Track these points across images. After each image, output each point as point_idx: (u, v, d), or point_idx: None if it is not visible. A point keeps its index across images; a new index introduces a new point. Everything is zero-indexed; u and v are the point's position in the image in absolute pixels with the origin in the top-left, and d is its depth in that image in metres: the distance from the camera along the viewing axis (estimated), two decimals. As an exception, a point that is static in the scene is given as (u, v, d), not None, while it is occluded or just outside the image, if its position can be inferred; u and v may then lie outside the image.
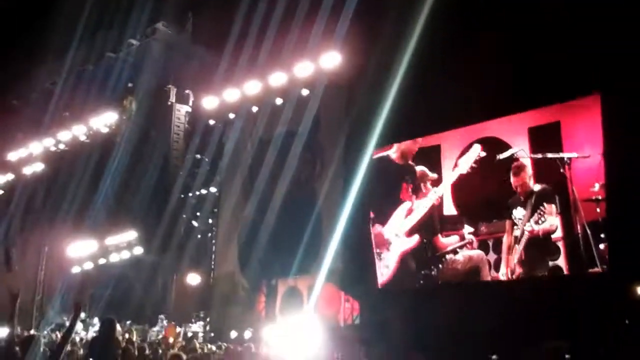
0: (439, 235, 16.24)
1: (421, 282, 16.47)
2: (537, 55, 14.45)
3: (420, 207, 16.69)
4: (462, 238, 15.66)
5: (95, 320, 23.16)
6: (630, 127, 12.85)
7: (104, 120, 25.61)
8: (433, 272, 16.18)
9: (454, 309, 14.34)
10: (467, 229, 15.68)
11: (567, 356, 9.72)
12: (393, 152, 17.51)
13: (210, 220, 24.85)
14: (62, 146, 27.57)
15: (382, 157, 17.71)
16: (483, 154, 15.45)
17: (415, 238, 16.60)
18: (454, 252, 15.79)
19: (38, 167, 28.92)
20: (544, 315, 12.99)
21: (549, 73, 14.23)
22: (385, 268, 17.14)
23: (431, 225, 16.46)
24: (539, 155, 14.58)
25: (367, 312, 18.05)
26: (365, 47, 18.17)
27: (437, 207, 16.47)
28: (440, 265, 16.07)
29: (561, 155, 14.10)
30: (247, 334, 19.24)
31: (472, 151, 15.51)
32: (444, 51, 15.71)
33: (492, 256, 15.14)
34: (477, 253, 15.42)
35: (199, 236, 24.75)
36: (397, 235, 17.01)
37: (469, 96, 15.43)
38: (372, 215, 17.81)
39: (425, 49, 15.64)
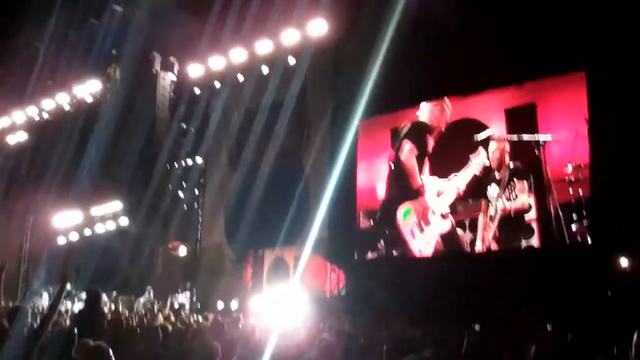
0: None
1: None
2: (519, 31, 14.55)
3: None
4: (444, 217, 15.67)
5: (81, 291, 23.15)
6: (614, 105, 13.02)
7: (88, 89, 25.28)
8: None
9: (437, 279, 14.41)
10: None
11: (548, 326, 9.74)
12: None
13: (196, 191, 24.71)
14: (45, 115, 27.24)
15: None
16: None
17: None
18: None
19: (21, 136, 28.61)
20: (527, 286, 13.10)
21: (530, 49, 14.42)
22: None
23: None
24: (515, 137, 14.74)
25: (352, 283, 18.08)
26: (352, 15, 18.04)
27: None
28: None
29: (536, 137, 14.25)
30: (234, 305, 19.25)
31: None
32: (430, 20, 15.68)
33: (468, 235, 15.46)
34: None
35: (185, 207, 24.60)
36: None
37: (452, 68, 15.51)
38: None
39: (412, 16, 15.55)
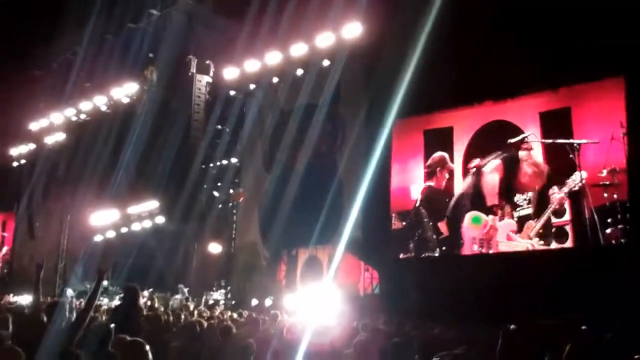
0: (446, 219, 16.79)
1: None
2: (555, 38, 14.45)
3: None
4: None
5: (117, 288, 23.52)
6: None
7: (125, 91, 25.67)
8: (436, 254, 16.70)
9: (472, 279, 14.41)
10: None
11: (583, 327, 9.73)
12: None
13: (231, 191, 24.97)
14: (83, 116, 27.72)
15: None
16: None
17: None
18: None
19: (60, 137, 29.14)
20: (562, 287, 13.04)
21: (566, 55, 14.30)
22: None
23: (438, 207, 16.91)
24: (549, 140, 14.75)
25: (386, 282, 18.16)
26: (386, 18, 18.08)
27: (445, 190, 17.02)
28: (444, 248, 16.65)
29: (571, 140, 14.24)
30: (268, 302, 19.40)
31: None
32: (466, 24, 15.62)
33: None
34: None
35: (220, 206, 24.89)
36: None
37: (482, 75, 15.50)
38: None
39: (447, 20, 15.53)
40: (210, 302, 22.03)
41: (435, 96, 16.54)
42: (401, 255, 17.48)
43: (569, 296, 12.76)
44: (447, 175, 16.92)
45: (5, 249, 33.29)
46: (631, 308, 11.42)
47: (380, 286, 18.57)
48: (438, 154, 17.18)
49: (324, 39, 19.80)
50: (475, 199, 16.22)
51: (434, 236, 16.70)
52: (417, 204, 17.27)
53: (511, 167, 15.64)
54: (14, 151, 31.59)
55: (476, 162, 16.31)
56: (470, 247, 15.94)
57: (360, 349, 7.86)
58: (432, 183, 17.15)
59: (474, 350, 7.16)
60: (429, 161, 17.31)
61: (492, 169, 16.00)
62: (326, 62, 20.09)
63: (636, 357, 5.87)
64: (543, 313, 11.32)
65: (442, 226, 16.64)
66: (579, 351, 5.95)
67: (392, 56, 17.14)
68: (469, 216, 16.22)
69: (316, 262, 20.88)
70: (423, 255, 16.79)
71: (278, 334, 8.86)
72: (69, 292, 22.71)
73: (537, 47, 14.51)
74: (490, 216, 15.77)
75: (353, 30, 19.15)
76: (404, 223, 17.71)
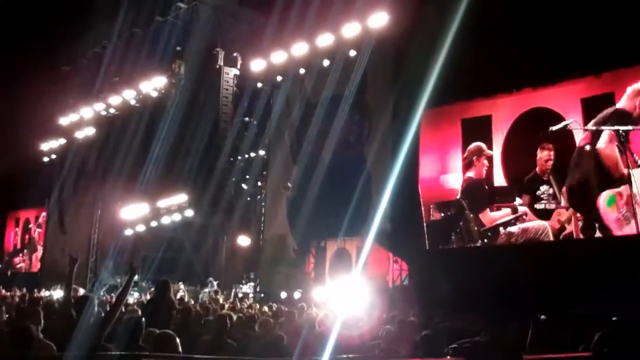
0: (487, 210, 16.21)
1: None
2: (595, 21, 14.07)
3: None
4: (515, 211, 15.45)
5: (147, 281, 23.71)
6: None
7: (154, 85, 25.79)
8: (478, 244, 16.23)
9: (501, 269, 14.28)
10: (518, 201, 15.64)
11: (614, 318, 9.60)
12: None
13: (259, 183, 25.03)
14: (112, 110, 27.93)
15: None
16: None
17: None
18: (506, 225, 15.68)
19: (89, 131, 29.40)
20: (594, 276, 12.85)
21: (608, 39, 13.85)
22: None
23: (479, 198, 16.49)
24: (593, 128, 14.21)
25: (416, 273, 18.07)
26: (414, 7, 17.92)
27: (486, 179, 16.51)
28: (486, 240, 16.10)
29: (616, 127, 13.54)
30: (297, 295, 19.43)
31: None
32: (496, 13, 15.40)
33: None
34: (534, 224, 15.25)
35: (248, 198, 24.96)
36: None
37: (520, 62, 15.19)
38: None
39: (477, 10, 15.31)
40: (240, 295, 22.12)
41: (470, 84, 16.33)
42: (440, 247, 17.30)
43: (604, 285, 12.58)
44: (486, 164, 16.53)
45: (40, 250, 33.76)
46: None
47: (410, 278, 18.49)
48: (474, 144, 16.81)
49: (350, 29, 19.69)
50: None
51: (476, 228, 16.34)
52: (458, 196, 16.96)
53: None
54: (45, 146, 31.96)
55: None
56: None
57: (390, 341, 7.83)
58: (471, 174, 16.80)
59: (496, 338, 7.09)
60: (466, 153, 16.98)
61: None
62: (353, 53, 19.99)
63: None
64: (577, 302, 11.19)
65: (484, 217, 16.27)
66: (607, 341, 5.87)
67: (419, 46, 16.96)
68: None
69: (345, 254, 20.83)
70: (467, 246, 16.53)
71: (308, 327, 8.84)
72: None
73: (577, 31, 14.02)
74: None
75: (379, 20, 19.02)
76: (442, 214, 17.43)
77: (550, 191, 15.11)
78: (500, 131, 16.50)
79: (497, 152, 16.51)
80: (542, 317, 9.81)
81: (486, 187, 16.44)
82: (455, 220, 16.87)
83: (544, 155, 15.31)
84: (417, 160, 17.98)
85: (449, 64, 15.47)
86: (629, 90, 14.00)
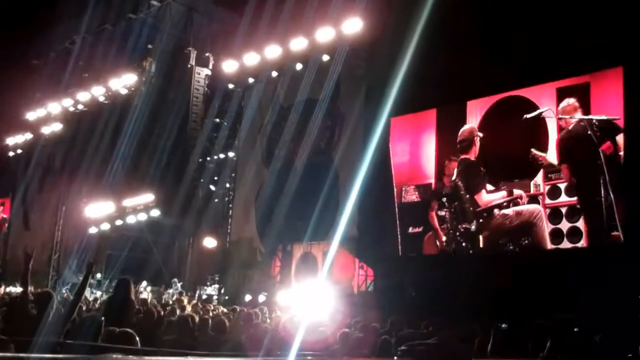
0: (483, 191, 16.11)
1: (459, 239, 16.46)
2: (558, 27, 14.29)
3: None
4: (510, 193, 15.45)
5: (111, 281, 23.43)
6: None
7: (123, 82, 25.51)
8: (472, 227, 16.15)
9: (465, 277, 14.36)
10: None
11: (575, 329, 9.68)
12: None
13: (228, 185, 24.89)
14: (80, 107, 27.57)
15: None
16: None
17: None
18: (501, 207, 15.66)
19: (56, 127, 29.00)
20: (555, 287, 12.98)
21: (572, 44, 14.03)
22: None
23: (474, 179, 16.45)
24: (567, 116, 14.38)
25: (381, 279, 18.10)
26: (386, 13, 17.99)
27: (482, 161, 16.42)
28: (481, 220, 16.02)
29: (590, 117, 13.90)
30: (261, 298, 19.34)
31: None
32: (464, 19, 15.53)
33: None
34: (528, 208, 15.23)
35: (217, 200, 24.80)
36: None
37: (488, 65, 15.30)
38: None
39: (445, 16, 15.42)
40: (204, 297, 21.96)
41: (435, 92, 16.46)
42: (410, 230, 17.36)
43: (563, 295, 12.69)
44: (478, 145, 16.49)
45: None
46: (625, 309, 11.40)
47: (375, 283, 18.52)
48: (467, 126, 16.71)
49: (324, 34, 19.68)
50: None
51: (471, 208, 16.27)
52: (454, 177, 16.78)
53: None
54: (11, 140, 31.46)
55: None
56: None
57: (354, 346, 7.79)
58: (466, 155, 16.68)
59: (447, 341, 7.09)
60: (460, 136, 16.80)
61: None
62: (326, 57, 19.98)
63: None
64: (536, 312, 11.27)
65: (479, 198, 16.19)
66: (561, 349, 5.93)
67: (390, 51, 16.99)
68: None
69: (311, 258, 20.81)
70: (461, 226, 16.49)
71: (271, 331, 8.77)
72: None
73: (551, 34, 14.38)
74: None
75: (353, 25, 19.04)
76: (415, 197, 17.59)
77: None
78: (474, 117, 16.60)
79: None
80: (504, 325, 9.87)
81: (482, 168, 16.33)
82: (451, 201, 16.84)
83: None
84: (388, 166, 18.04)
85: (417, 70, 15.54)
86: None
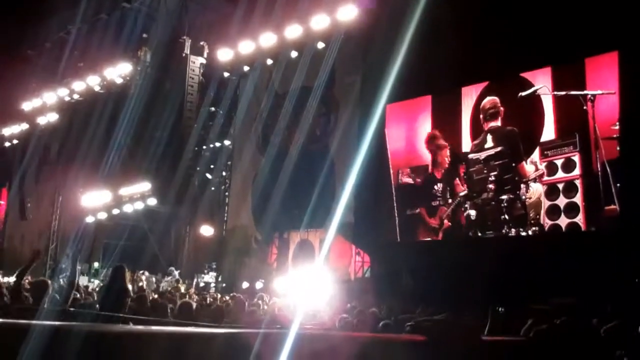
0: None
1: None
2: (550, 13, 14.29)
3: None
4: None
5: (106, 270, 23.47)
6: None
7: (118, 71, 25.48)
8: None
9: (462, 262, 14.40)
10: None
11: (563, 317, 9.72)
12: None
13: (224, 173, 24.92)
14: (76, 96, 27.51)
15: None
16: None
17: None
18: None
19: (52, 117, 28.96)
20: (553, 270, 13.00)
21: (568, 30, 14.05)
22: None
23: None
24: (562, 93, 14.34)
25: (378, 266, 18.17)
26: (380, 0, 17.97)
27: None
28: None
29: (585, 92, 13.84)
30: (259, 285, 19.43)
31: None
32: (459, 5, 15.51)
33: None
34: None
35: (213, 189, 24.84)
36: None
37: (483, 52, 15.29)
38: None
39: (440, 3, 15.40)
40: (201, 284, 22.05)
41: (430, 79, 16.46)
42: (408, 212, 17.40)
43: (561, 279, 12.72)
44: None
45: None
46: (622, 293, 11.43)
47: (372, 270, 18.59)
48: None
49: (319, 21, 19.65)
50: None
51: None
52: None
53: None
54: (6, 131, 31.42)
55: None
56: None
57: (351, 330, 7.85)
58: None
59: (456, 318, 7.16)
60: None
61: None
62: (321, 45, 19.97)
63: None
64: (534, 297, 11.29)
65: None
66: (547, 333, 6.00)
67: (385, 39, 16.93)
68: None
69: (308, 246, 20.88)
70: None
71: (268, 317, 8.83)
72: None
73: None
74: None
75: (348, 12, 19.02)
76: (412, 179, 17.53)
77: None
78: (470, 97, 16.59)
79: (466, 118, 16.56)
80: (501, 309, 9.91)
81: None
82: (450, 178, 16.69)
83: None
84: (383, 154, 18.05)
85: (412, 57, 15.51)
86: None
